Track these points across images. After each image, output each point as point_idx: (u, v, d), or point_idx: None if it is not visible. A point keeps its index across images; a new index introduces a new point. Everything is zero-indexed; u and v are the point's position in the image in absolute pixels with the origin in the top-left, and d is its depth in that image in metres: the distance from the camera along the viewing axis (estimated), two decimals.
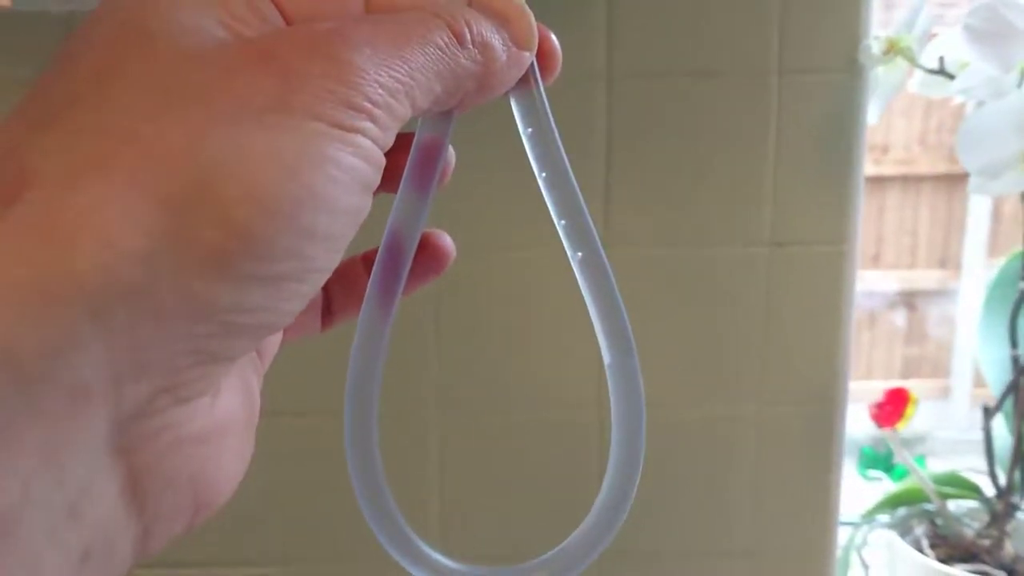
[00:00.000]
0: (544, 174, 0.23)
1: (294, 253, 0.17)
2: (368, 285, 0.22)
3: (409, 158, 0.22)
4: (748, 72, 0.51)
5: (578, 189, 0.23)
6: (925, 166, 1.43)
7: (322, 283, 0.19)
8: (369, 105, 0.18)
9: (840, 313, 0.53)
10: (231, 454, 0.20)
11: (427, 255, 0.24)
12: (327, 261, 0.19)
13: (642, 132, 0.52)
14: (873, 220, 1.45)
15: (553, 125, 0.23)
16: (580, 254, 0.23)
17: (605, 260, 0.23)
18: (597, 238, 0.23)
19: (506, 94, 0.23)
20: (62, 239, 0.15)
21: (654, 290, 0.53)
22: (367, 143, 0.18)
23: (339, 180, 0.18)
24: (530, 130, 0.23)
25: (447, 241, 0.25)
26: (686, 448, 0.55)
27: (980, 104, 0.49)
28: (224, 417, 0.20)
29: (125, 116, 0.17)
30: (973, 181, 0.51)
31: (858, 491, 0.67)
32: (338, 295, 0.26)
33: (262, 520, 0.55)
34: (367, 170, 0.19)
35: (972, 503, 0.62)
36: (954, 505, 0.62)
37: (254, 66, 0.18)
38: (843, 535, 0.60)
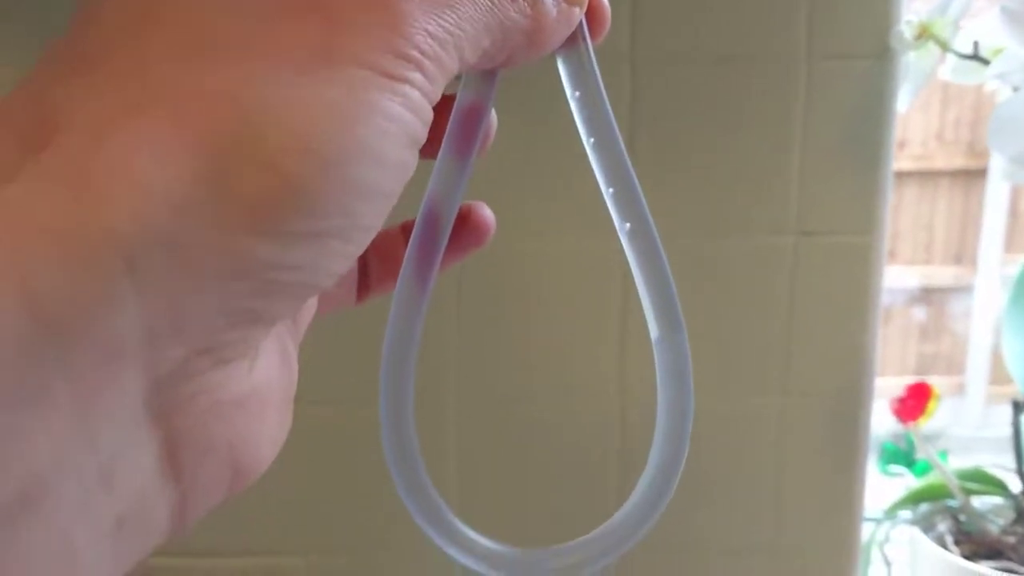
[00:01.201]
0: (592, 139, 0.22)
1: (342, 209, 0.16)
2: (404, 257, 0.21)
3: (449, 123, 0.21)
4: (776, 57, 0.49)
5: (627, 156, 0.22)
6: (942, 161, 1.41)
7: (367, 243, 0.18)
8: (418, 54, 0.17)
9: (867, 304, 0.52)
10: (269, 422, 0.19)
11: (467, 228, 0.23)
12: (374, 219, 0.18)
13: (666, 117, 0.50)
14: (889, 215, 1.44)
15: (602, 87, 0.22)
16: (628, 224, 0.22)
17: (654, 231, 0.22)
18: (646, 208, 0.22)
19: (552, 54, 0.22)
20: (95, 186, 0.14)
21: (677, 278, 0.52)
22: (416, 94, 0.17)
23: (388, 132, 0.17)
24: (578, 93, 0.22)
25: (487, 213, 0.24)
26: (708, 442, 0.54)
27: (1015, 90, 0.48)
28: (262, 383, 0.19)
29: (162, 63, 0.16)
30: (1004, 168, 0.50)
31: (880, 486, 0.66)
32: (375, 266, 0.25)
33: (283, 510, 0.54)
34: (415, 123, 0.18)
35: (997, 499, 0.61)
36: (978, 501, 0.61)
37: (298, 13, 0.17)
38: (865, 531, 0.59)
